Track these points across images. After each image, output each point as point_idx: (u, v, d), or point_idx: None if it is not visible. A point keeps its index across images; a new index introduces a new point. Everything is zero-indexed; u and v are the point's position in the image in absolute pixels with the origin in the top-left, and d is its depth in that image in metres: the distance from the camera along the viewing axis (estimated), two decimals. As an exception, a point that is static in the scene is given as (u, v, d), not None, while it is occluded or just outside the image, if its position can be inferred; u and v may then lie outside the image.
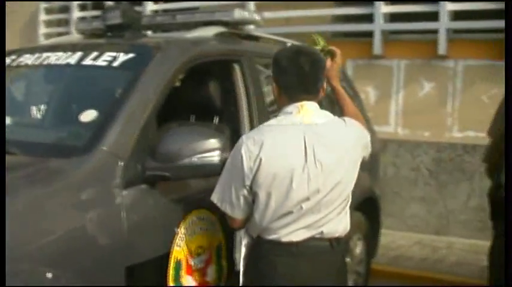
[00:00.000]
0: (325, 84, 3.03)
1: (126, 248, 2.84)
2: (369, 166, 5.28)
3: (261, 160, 2.76)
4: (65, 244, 2.60)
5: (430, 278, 6.18)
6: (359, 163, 3.06)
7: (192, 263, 3.23)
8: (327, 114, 3.01)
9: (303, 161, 2.79)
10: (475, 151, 7.28)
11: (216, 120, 3.97)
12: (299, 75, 2.91)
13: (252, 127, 3.90)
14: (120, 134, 3.00)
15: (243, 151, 2.80)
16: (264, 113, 4.02)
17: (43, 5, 10.61)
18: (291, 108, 2.91)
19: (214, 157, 3.01)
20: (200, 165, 3.00)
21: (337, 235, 2.93)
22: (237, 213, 2.93)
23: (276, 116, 3.04)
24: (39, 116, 3.83)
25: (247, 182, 2.81)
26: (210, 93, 3.91)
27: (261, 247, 2.91)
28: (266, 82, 4.37)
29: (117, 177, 2.88)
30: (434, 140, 7.66)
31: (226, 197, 2.91)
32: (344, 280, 3.13)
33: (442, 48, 7.56)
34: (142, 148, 3.03)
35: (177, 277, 3.14)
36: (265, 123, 3.00)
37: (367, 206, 5.16)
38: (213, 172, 3.07)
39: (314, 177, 2.80)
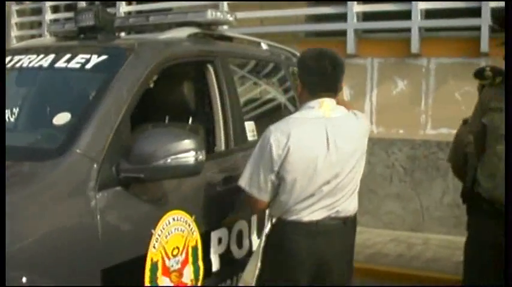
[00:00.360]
0: (342, 84, 3.38)
1: (101, 251, 2.83)
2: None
3: (289, 148, 3.11)
4: (39, 248, 2.59)
5: (406, 274, 6.22)
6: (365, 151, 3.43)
7: (169, 265, 3.23)
8: (342, 109, 3.36)
9: (325, 150, 3.16)
10: (449, 147, 7.34)
11: (190, 121, 3.97)
12: (322, 75, 3.26)
13: (226, 127, 3.91)
14: (94, 136, 2.99)
15: (272, 140, 3.15)
16: (238, 113, 4.03)
17: (15, 7, 10.52)
18: (313, 103, 3.27)
19: (189, 157, 3.01)
20: (175, 166, 2.99)
21: (349, 214, 3.34)
22: (263, 196, 3.26)
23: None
24: (12, 119, 3.80)
25: (276, 168, 3.16)
26: (184, 95, 3.91)
27: (283, 228, 3.25)
28: (240, 82, 4.39)
29: (92, 179, 2.87)
30: (409, 138, 7.72)
31: (254, 182, 3.24)
32: (352, 255, 3.50)
33: (415, 46, 7.62)
34: (116, 150, 3.02)
35: (153, 278, 3.13)
36: (291, 116, 3.36)
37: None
38: (187, 172, 3.08)
39: (335, 163, 3.18)
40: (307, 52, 3.41)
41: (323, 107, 3.25)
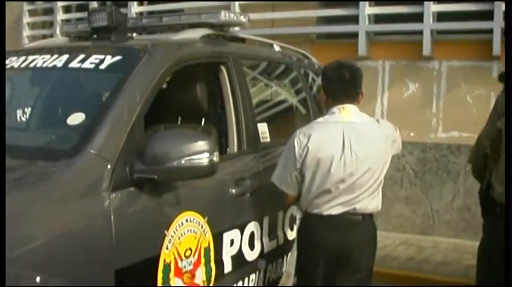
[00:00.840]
0: (363, 91, 3.75)
1: (115, 252, 2.83)
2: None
3: (308, 148, 3.52)
4: (53, 248, 2.59)
5: (415, 277, 6.21)
6: (389, 155, 3.71)
7: (181, 266, 3.24)
8: (363, 115, 3.71)
9: (340, 151, 3.50)
10: (460, 151, 7.33)
11: (203, 122, 3.98)
12: (341, 83, 3.64)
13: (238, 129, 3.91)
14: (108, 137, 2.99)
15: (295, 142, 3.58)
16: (251, 115, 4.03)
17: (27, 7, 10.56)
18: (335, 109, 3.65)
19: (203, 159, 3.01)
20: (188, 167, 2.99)
21: (368, 211, 3.62)
22: (290, 190, 3.67)
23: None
24: (26, 119, 3.82)
25: (298, 166, 3.57)
26: (196, 96, 3.91)
27: (308, 220, 3.66)
28: (252, 84, 4.39)
29: (105, 180, 2.87)
30: (419, 141, 7.70)
31: (284, 178, 3.66)
32: (374, 247, 3.79)
33: (426, 49, 7.60)
34: (130, 150, 3.02)
35: (166, 279, 3.14)
36: (315, 121, 3.80)
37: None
38: (201, 173, 3.08)
39: (349, 163, 3.50)
40: (328, 65, 3.79)
41: (343, 112, 3.62)
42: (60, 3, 10.13)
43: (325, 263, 3.59)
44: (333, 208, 3.55)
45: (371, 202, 3.63)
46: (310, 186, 3.56)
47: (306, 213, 3.67)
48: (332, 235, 3.56)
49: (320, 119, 3.75)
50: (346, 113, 3.61)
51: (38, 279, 2.48)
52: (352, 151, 3.50)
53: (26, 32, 10.49)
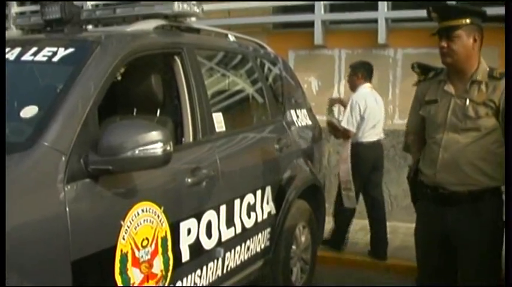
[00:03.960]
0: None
1: (71, 243, 2.84)
2: (311, 154, 5.38)
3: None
4: (8, 241, 2.56)
5: (374, 262, 6.30)
6: None
7: (138, 256, 3.25)
8: None
9: None
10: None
11: (158, 113, 3.98)
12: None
13: (193, 119, 3.93)
14: (62, 129, 2.99)
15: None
16: (206, 105, 4.05)
17: (-20, 0, 10.39)
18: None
19: (157, 148, 3.02)
20: (143, 157, 3.00)
21: None
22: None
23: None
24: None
25: None
26: (151, 87, 3.91)
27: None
28: (208, 74, 4.41)
29: (60, 172, 2.87)
30: (376, 128, 7.77)
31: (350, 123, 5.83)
32: None
33: (381, 37, 7.70)
34: (84, 142, 3.02)
35: (123, 269, 3.15)
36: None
37: (310, 194, 5.25)
38: (155, 163, 3.10)
39: None
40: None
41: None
42: (14, -3, 10.01)
43: None
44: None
45: None
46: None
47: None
48: None
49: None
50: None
51: (-6, 273, 2.47)
52: None
53: (-20, 26, 10.32)
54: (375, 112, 6.34)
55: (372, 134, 6.35)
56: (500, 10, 3.80)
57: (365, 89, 6.40)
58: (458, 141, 3.40)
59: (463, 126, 3.38)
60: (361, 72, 6.46)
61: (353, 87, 6.49)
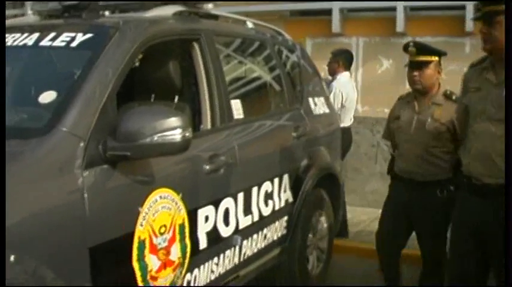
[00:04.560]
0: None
1: (88, 229, 2.84)
2: (328, 143, 5.35)
3: None
4: (26, 227, 2.58)
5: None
6: None
7: (156, 242, 3.24)
8: None
9: None
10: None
11: (176, 99, 3.97)
12: None
13: (212, 105, 3.91)
14: (80, 114, 2.98)
15: None
16: (224, 91, 4.03)
17: (-3, -14, 10.40)
18: None
19: (176, 135, 3.00)
20: (161, 143, 2.98)
21: None
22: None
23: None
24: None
25: None
26: (169, 73, 3.89)
27: None
28: (226, 61, 4.38)
29: (78, 158, 2.86)
30: (394, 117, 7.72)
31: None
32: None
33: (400, 25, 7.63)
34: (102, 128, 3.00)
35: (141, 256, 3.14)
36: None
37: (327, 183, 5.22)
38: (174, 150, 3.08)
39: None
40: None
41: None
42: (31, -17, 10.01)
43: None
44: None
45: None
46: None
47: None
48: None
49: None
50: None
51: (12, 258, 2.47)
52: None
53: (-3, 12, 10.34)
54: (353, 100, 6.72)
55: (347, 120, 6.64)
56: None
57: (345, 77, 6.68)
58: (491, 131, 3.38)
59: (497, 116, 3.35)
60: (342, 60, 6.68)
61: (332, 73, 6.76)
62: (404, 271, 4.76)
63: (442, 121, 4.20)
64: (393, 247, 4.59)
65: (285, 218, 4.65)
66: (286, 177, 4.59)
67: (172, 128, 3.00)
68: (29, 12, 8.89)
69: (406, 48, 4.31)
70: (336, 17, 7.95)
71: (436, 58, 4.30)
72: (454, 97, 4.25)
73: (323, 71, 7.50)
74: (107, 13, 4.44)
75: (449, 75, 7.23)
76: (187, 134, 3.05)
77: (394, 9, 7.65)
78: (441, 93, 4.31)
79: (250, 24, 5.00)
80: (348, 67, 6.73)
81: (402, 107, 4.47)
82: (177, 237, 3.41)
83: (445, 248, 4.31)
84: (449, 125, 4.18)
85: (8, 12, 10.23)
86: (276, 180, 4.45)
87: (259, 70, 5.08)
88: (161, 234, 3.28)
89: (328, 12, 8.01)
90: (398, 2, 7.62)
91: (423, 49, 4.27)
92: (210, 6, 4.53)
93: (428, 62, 4.25)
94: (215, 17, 4.58)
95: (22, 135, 2.94)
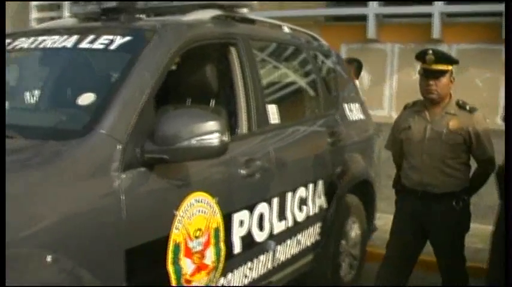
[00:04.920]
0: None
1: (125, 231, 2.84)
2: (363, 149, 5.32)
3: None
4: (63, 228, 2.59)
5: (422, 260, 6.18)
6: None
7: (191, 246, 3.24)
8: None
9: None
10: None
11: (212, 103, 3.97)
12: None
13: (248, 110, 3.90)
14: (118, 117, 2.99)
15: None
16: (261, 96, 4.03)
17: (34, -10, 10.55)
18: None
19: (213, 139, 3.00)
20: (199, 147, 2.98)
21: None
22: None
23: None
24: (37, 99, 3.81)
25: None
26: (206, 77, 3.90)
27: None
28: (262, 65, 4.38)
29: (116, 160, 2.87)
30: (429, 124, 7.67)
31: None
32: None
33: (436, 32, 7.58)
34: (140, 130, 3.01)
35: (175, 259, 3.15)
36: None
37: (361, 189, 5.20)
38: (211, 154, 3.08)
39: None
40: None
41: None
42: (68, -14, 10.11)
43: None
44: None
45: None
46: None
47: None
48: None
49: None
50: None
51: (48, 258, 2.48)
52: None
53: (34, 15, 10.47)
54: None
55: None
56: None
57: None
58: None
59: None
60: (352, 69, 6.64)
61: None
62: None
63: (459, 132, 4.10)
64: (407, 262, 4.40)
65: (319, 224, 4.63)
66: (320, 183, 4.57)
67: (210, 132, 3.00)
68: (67, 15, 9.02)
69: (422, 55, 4.17)
70: (371, 22, 7.92)
71: (451, 67, 4.17)
72: (467, 107, 4.17)
73: (358, 77, 7.48)
74: (143, 16, 4.47)
75: (486, 82, 7.20)
76: (224, 138, 3.05)
77: (430, 15, 7.60)
78: (454, 103, 4.19)
79: (286, 29, 5.00)
80: (357, 75, 6.74)
81: (411, 117, 4.34)
82: (212, 241, 3.41)
83: (464, 259, 4.31)
84: (465, 135, 4.10)
85: (44, 14, 10.39)
86: (311, 186, 4.43)
87: (294, 75, 5.07)
88: (196, 238, 3.28)
89: (364, 18, 7.99)
90: (434, 8, 7.56)
91: (442, 57, 4.15)
92: (245, 10, 4.54)
93: (445, 71, 4.12)
94: (252, 22, 4.58)
95: (60, 136, 2.96)
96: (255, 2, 4.38)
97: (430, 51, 4.12)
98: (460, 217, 4.20)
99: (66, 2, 9.91)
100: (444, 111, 4.17)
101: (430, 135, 4.17)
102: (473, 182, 4.26)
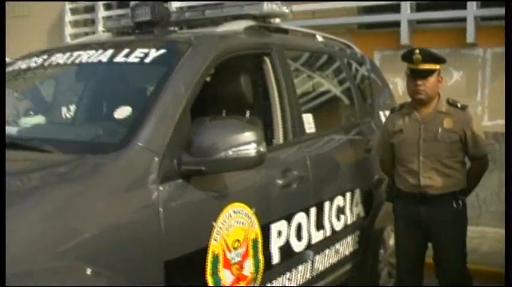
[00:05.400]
0: None
1: (164, 243, 2.84)
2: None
3: None
4: (103, 241, 2.59)
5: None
6: None
7: (230, 257, 3.24)
8: None
9: None
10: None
11: (247, 114, 3.97)
12: None
13: (284, 120, 3.90)
14: (155, 129, 3.00)
15: None
16: (296, 105, 4.02)
17: (69, 5, 10.66)
18: None
19: (250, 149, 2.99)
20: (236, 158, 2.98)
21: None
22: None
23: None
24: (73, 114, 3.84)
25: None
26: (241, 87, 3.91)
27: None
28: (296, 74, 4.37)
29: (153, 172, 2.87)
30: (465, 129, 7.58)
31: None
32: None
33: (470, 36, 7.49)
34: (177, 142, 3.02)
35: (214, 270, 3.14)
36: None
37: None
38: (249, 164, 3.07)
39: None
40: None
41: None
42: (101, 2, 10.23)
43: None
44: None
45: None
46: None
47: None
48: None
49: None
50: None
51: (88, 271, 2.48)
52: None
53: (68, 30, 10.60)
54: None
55: None
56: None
57: None
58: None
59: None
60: None
61: None
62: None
63: (454, 130, 4.07)
64: (417, 266, 4.38)
65: (357, 233, 4.60)
66: (357, 191, 4.55)
67: (247, 143, 2.99)
68: (100, 29, 9.12)
69: (409, 56, 4.09)
70: (404, 29, 7.85)
71: (438, 66, 4.11)
72: (459, 105, 4.16)
73: (392, 84, 7.43)
74: (176, 29, 4.49)
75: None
76: (261, 149, 3.04)
77: (464, 19, 7.52)
78: (444, 102, 4.16)
79: (319, 38, 4.99)
80: None
81: (401, 120, 4.23)
82: (251, 252, 3.40)
83: (465, 261, 4.31)
84: (461, 133, 4.08)
85: (79, 30, 10.52)
86: (348, 194, 4.41)
87: (329, 84, 5.05)
88: (235, 249, 3.27)
89: (397, 24, 7.93)
90: (468, 12, 7.48)
91: (429, 57, 4.07)
92: (278, 20, 4.54)
93: (432, 71, 4.06)
94: (285, 31, 4.59)
95: (98, 150, 2.96)
96: (288, 11, 4.36)
97: (417, 51, 4.06)
98: (461, 217, 4.18)
99: (100, 18, 10.02)
100: (436, 110, 4.13)
101: (425, 136, 4.10)
102: (469, 180, 4.24)
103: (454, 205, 4.12)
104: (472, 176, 4.24)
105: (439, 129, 4.07)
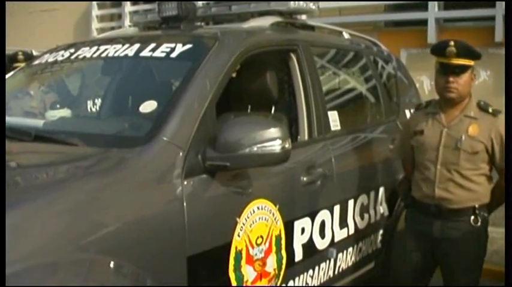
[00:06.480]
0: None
1: (187, 238, 2.84)
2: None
3: None
4: (126, 234, 2.61)
5: (487, 269, 6.06)
6: None
7: (252, 253, 3.23)
8: None
9: None
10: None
11: (273, 110, 3.96)
12: None
13: (309, 117, 3.88)
14: (180, 124, 3.00)
15: None
16: (321, 102, 4.00)
17: (95, 0, 10.75)
18: None
19: (275, 146, 2.98)
20: (261, 154, 2.97)
21: None
22: None
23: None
24: (99, 107, 3.86)
25: None
26: (267, 84, 3.90)
27: None
28: (322, 71, 4.35)
29: (178, 167, 2.87)
30: (492, 129, 7.52)
31: None
32: None
33: (498, 35, 7.42)
34: (202, 138, 3.02)
35: (237, 266, 3.14)
36: None
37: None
38: (273, 161, 3.06)
39: None
40: None
41: None
42: (128, -4, 10.30)
43: None
44: None
45: None
46: None
47: None
48: None
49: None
50: None
51: (111, 264, 2.50)
52: None
53: (95, 25, 10.67)
54: None
55: None
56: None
57: None
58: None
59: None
60: None
61: None
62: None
63: (480, 139, 3.62)
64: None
65: (380, 231, 4.57)
66: (382, 190, 4.51)
67: (272, 139, 2.98)
68: (127, 24, 9.16)
69: (441, 48, 3.64)
70: (431, 27, 7.81)
71: (473, 62, 3.66)
72: (490, 109, 3.70)
73: (418, 82, 7.38)
74: (202, 24, 4.50)
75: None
76: (286, 146, 3.02)
77: (492, 18, 7.45)
78: (474, 105, 3.71)
79: (346, 35, 4.96)
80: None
81: (424, 120, 3.82)
82: (274, 248, 3.39)
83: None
84: (487, 142, 3.61)
85: (105, 24, 10.58)
86: (372, 193, 4.38)
87: (355, 81, 5.02)
88: (258, 245, 3.27)
89: (424, 22, 7.88)
90: (497, 11, 7.41)
91: (466, 51, 3.62)
92: (305, 17, 4.52)
93: (467, 67, 3.61)
94: (311, 28, 4.56)
95: (123, 144, 2.98)
96: (315, 8, 4.34)
97: (452, 43, 3.60)
98: (478, 238, 3.73)
99: (127, 13, 10.07)
100: (463, 114, 3.69)
101: (446, 142, 3.68)
102: (495, 196, 3.73)
103: (472, 222, 3.67)
104: (497, 191, 3.71)
105: (463, 137, 3.63)
